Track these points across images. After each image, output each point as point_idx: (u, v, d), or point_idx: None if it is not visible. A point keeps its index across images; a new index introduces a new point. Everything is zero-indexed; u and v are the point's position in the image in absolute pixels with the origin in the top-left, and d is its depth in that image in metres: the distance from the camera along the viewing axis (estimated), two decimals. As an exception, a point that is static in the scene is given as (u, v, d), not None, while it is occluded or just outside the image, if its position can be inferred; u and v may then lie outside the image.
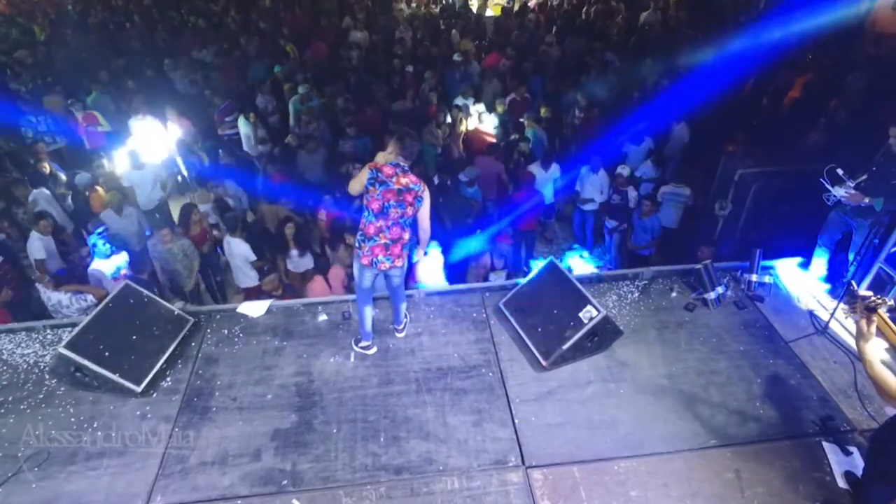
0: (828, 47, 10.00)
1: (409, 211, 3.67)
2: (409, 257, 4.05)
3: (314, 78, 9.56)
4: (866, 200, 4.05)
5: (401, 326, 4.28)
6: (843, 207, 4.34)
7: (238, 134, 8.67)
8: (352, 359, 4.07)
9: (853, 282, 2.80)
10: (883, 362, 2.62)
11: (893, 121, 4.14)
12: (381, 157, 3.64)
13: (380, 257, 3.72)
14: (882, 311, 2.53)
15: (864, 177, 4.12)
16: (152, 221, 6.93)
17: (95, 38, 12.26)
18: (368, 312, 4.01)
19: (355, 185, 3.72)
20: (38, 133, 8.52)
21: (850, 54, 10.03)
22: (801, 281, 4.68)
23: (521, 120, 8.44)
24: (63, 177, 7.33)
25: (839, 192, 4.15)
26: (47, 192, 6.71)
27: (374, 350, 4.13)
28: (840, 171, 4.12)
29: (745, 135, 7.76)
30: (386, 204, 3.58)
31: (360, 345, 4.14)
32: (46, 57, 11.31)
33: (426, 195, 3.69)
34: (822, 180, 4.15)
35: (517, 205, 6.62)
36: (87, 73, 9.98)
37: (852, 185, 4.11)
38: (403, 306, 4.23)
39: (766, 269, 4.71)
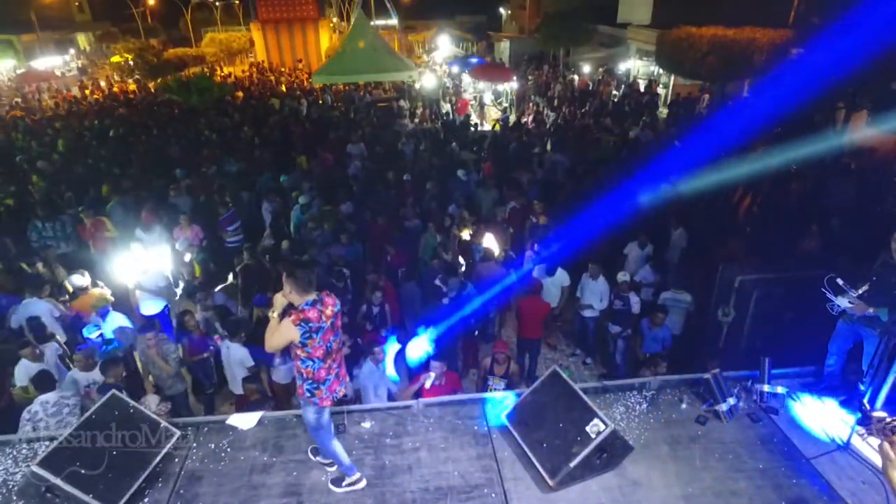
0: (809, 160, 10.51)
1: (341, 330, 3.60)
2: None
3: (320, 186, 9.94)
4: (871, 310, 3.98)
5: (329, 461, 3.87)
6: (849, 317, 4.27)
7: (240, 242, 8.84)
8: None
9: (866, 402, 2.66)
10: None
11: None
12: (278, 303, 3.39)
13: (337, 390, 3.58)
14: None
15: (866, 286, 4.08)
16: (149, 327, 6.83)
17: (112, 151, 12.93)
18: (339, 446, 3.73)
19: (277, 343, 3.42)
20: (41, 238, 8.69)
21: (831, 166, 10.53)
22: (816, 392, 4.50)
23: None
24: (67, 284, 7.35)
25: (843, 302, 4.09)
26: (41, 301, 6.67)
27: (363, 483, 3.73)
28: (840, 282, 4.09)
29: (740, 241, 7.93)
30: (328, 345, 3.44)
31: (346, 482, 3.72)
32: (64, 167, 11.87)
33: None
34: (823, 290, 4.11)
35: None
36: (101, 184, 10.42)
37: (855, 294, 4.07)
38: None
39: (777, 378, 4.55)
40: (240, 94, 21.05)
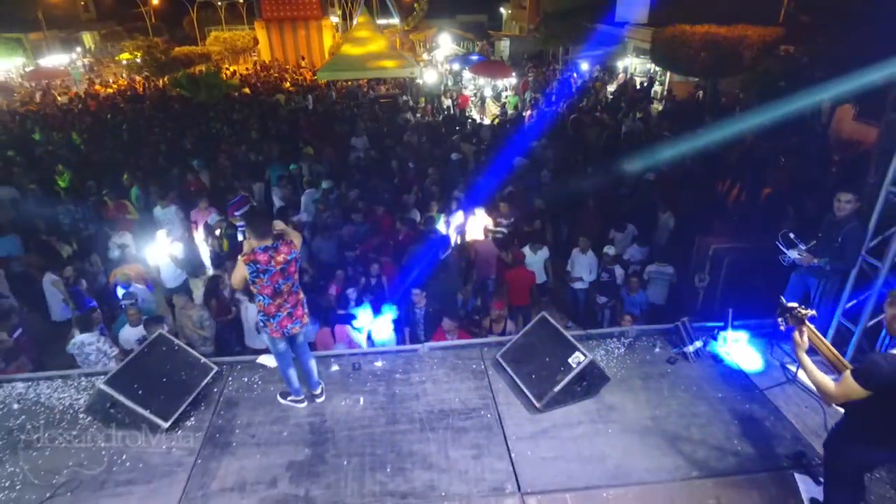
0: (795, 150, 11.09)
1: (297, 276, 4.07)
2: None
3: (332, 174, 10.61)
4: (815, 261, 4.61)
5: (318, 390, 4.46)
6: (799, 269, 4.89)
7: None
8: (361, 402, 4.43)
9: (782, 297, 3.25)
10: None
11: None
12: (247, 247, 3.86)
13: (288, 326, 4.07)
14: (807, 320, 2.99)
15: (814, 242, 4.71)
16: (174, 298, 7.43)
17: (128, 142, 13.59)
18: (293, 373, 4.33)
19: (236, 280, 4.01)
20: (74, 220, 9.34)
21: (816, 157, 11.11)
22: (771, 337, 5.12)
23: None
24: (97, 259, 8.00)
25: (793, 254, 4.72)
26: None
27: (304, 404, 4.39)
28: (792, 235, 4.72)
29: (724, 224, 8.50)
30: (276, 286, 3.90)
31: (290, 398, 4.41)
32: (85, 157, 12.54)
33: (298, 248, 4.02)
34: (776, 243, 4.73)
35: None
36: (120, 172, 11.06)
37: (804, 247, 4.70)
38: (314, 364, 4.44)
39: (740, 327, 5.16)
40: (246, 90, 21.67)
